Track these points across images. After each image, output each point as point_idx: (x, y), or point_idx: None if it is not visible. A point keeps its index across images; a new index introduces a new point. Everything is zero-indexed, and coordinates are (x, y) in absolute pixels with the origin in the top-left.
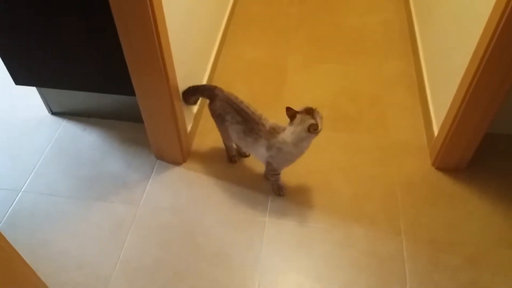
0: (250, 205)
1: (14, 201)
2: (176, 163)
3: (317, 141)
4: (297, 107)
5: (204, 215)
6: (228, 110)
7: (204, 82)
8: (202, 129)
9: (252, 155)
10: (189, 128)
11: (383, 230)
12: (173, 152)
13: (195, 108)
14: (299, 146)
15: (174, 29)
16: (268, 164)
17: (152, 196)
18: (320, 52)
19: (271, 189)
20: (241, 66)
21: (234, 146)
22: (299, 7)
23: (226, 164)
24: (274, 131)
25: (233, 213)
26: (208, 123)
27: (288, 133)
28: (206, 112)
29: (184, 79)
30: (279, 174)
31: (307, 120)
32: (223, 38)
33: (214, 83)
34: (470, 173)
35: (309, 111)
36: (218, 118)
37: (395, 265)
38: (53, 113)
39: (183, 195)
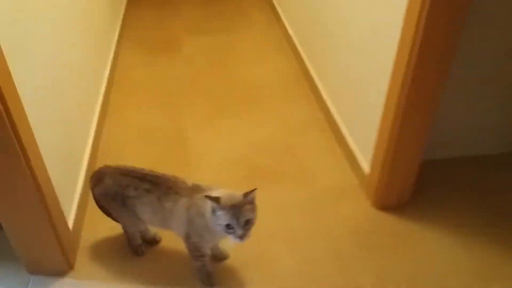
0: None
1: None
2: (60, 273)
3: None
4: (207, 168)
5: None
6: (127, 182)
7: (86, 160)
8: (92, 217)
9: (173, 232)
10: (71, 221)
11: None
12: (52, 260)
13: (76, 194)
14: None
15: (34, 110)
16: (188, 238)
17: None
18: (219, 108)
19: (199, 280)
20: (131, 135)
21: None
22: (186, 68)
23: (132, 258)
24: (199, 188)
25: None
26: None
27: (222, 194)
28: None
29: (55, 160)
30: (204, 256)
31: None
32: (104, 108)
33: (99, 159)
34: (414, 206)
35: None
36: (115, 199)
37: None
38: None
39: None
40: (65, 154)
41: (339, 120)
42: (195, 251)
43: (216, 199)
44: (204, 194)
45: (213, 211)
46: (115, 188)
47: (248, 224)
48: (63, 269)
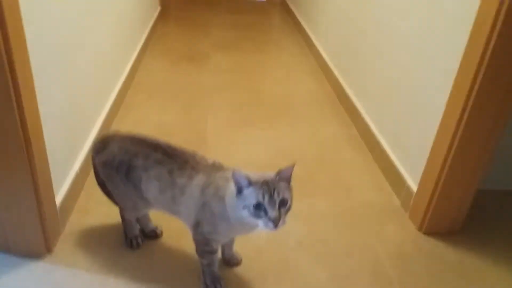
0: None
1: None
2: (33, 255)
3: None
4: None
5: None
6: (136, 150)
7: (89, 141)
8: (86, 201)
9: (179, 219)
10: (60, 198)
11: None
12: (27, 238)
13: (72, 172)
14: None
15: (42, 70)
16: (197, 226)
17: None
18: (244, 117)
19: (202, 283)
20: (146, 130)
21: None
22: (212, 77)
23: (124, 251)
24: (221, 166)
25: None
26: (96, 195)
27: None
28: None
29: (55, 129)
30: (213, 253)
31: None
32: (119, 101)
33: None
34: (466, 235)
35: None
36: (119, 170)
37: None
38: None
39: None
40: (68, 129)
41: (380, 137)
42: (204, 244)
43: (245, 175)
44: (227, 173)
45: (240, 191)
46: (120, 156)
47: (283, 205)
48: (39, 251)
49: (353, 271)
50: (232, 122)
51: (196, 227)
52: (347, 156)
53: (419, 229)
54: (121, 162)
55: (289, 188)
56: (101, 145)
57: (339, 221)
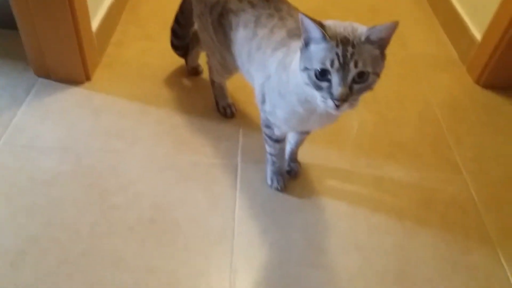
0: (208, 142)
1: None
2: (72, 81)
3: None
4: None
5: (123, 159)
6: None
7: None
8: (121, 38)
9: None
10: (95, 25)
11: (434, 167)
12: (65, 63)
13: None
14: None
15: None
16: (262, 102)
17: (25, 130)
18: None
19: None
20: None
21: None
22: None
23: (163, 86)
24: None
25: (178, 154)
26: (132, 31)
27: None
28: (131, 14)
29: None
30: (275, 140)
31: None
32: None
33: None
34: None
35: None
36: (212, 11)
37: (468, 216)
38: None
39: (83, 127)
40: None
41: None
42: (265, 125)
43: (318, 22)
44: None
45: (307, 44)
46: None
47: (360, 80)
48: (77, 78)
49: (400, 116)
50: None
51: (262, 102)
52: (405, 9)
53: (477, 82)
54: (217, 2)
55: (378, 57)
56: None
57: (388, 71)
